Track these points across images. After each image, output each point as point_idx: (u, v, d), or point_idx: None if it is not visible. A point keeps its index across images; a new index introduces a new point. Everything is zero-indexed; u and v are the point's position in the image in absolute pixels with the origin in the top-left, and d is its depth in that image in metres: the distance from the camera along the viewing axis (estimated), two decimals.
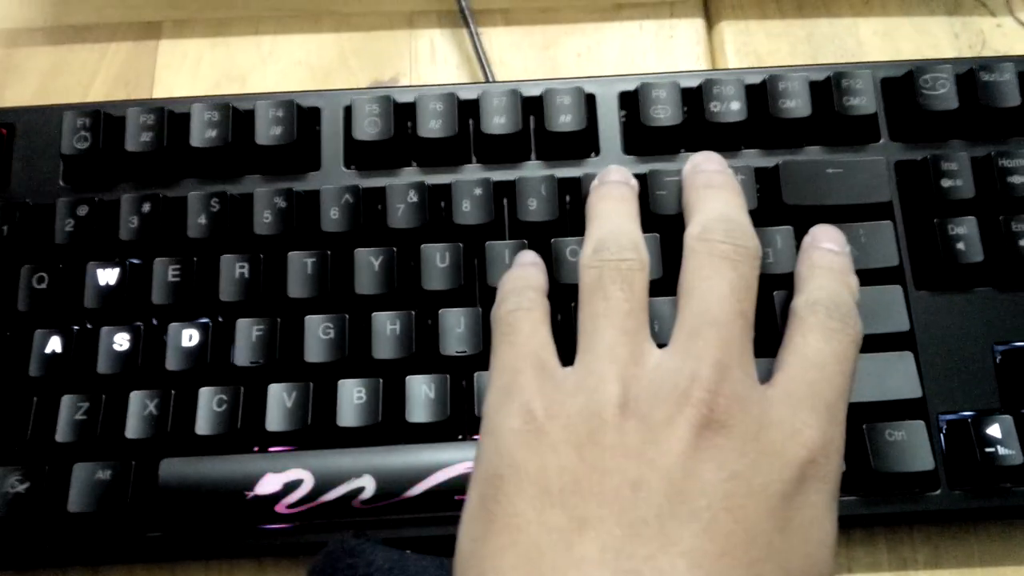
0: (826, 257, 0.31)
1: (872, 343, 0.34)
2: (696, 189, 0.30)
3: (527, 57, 0.46)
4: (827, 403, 0.26)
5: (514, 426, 0.26)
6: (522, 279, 0.30)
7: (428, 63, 0.46)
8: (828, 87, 0.38)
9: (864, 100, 0.38)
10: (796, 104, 0.38)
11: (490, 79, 0.43)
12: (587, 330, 0.28)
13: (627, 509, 0.24)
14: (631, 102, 0.39)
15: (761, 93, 0.38)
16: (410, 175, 0.38)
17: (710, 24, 0.47)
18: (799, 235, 0.36)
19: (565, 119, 0.38)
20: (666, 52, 0.46)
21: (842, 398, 0.27)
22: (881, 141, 0.38)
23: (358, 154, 0.39)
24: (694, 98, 0.38)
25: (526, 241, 0.36)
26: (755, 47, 0.45)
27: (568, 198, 0.38)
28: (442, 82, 0.45)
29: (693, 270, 0.28)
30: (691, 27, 0.46)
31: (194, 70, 0.45)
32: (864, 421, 0.34)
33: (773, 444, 0.25)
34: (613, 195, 0.31)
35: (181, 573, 0.36)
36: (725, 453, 0.25)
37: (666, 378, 0.26)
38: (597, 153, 0.39)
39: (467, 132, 0.39)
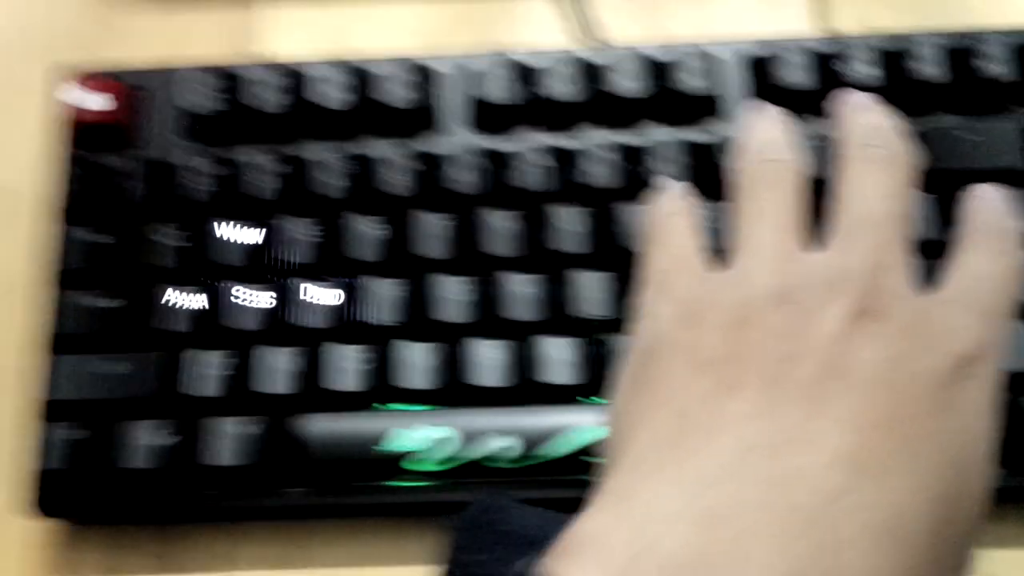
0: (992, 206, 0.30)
1: None
2: (847, 115, 0.31)
3: (635, 20, 0.45)
4: (985, 309, 0.26)
5: (670, 312, 0.27)
6: (673, 185, 0.31)
7: (537, 29, 0.45)
8: (963, 53, 0.38)
9: (1001, 67, 0.37)
10: (933, 70, 0.37)
11: (603, 44, 0.43)
12: (741, 232, 0.28)
13: (778, 378, 0.24)
14: (759, 66, 0.39)
15: (894, 58, 0.38)
16: (536, 138, 0.38)
17: None
18: (939, 203, 0.36)
19: (692, 82, 0.38)
20: (771, 16, 0.45)
21: (1003, 310, 0.27)
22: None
23: (483, 116, 0.39)
24: (823, 63, 0.38)
25: None
26: (862, 10, 0.45)
27: (693, 162, 0.38)
28: (554, 48, 0.44)
29: (847, 177, 0.28)
30: None
31: (302, 37, 0.45)
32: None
33: (931, 337, 0.25)
34: (769, 115, 0.31)
35: (320, 531, 0.36)
36: (880, 338, 0.25)
37: (820, 272, 0.26)
38: (723, 117, 0.39)
39: (592, 95, 0.39)
